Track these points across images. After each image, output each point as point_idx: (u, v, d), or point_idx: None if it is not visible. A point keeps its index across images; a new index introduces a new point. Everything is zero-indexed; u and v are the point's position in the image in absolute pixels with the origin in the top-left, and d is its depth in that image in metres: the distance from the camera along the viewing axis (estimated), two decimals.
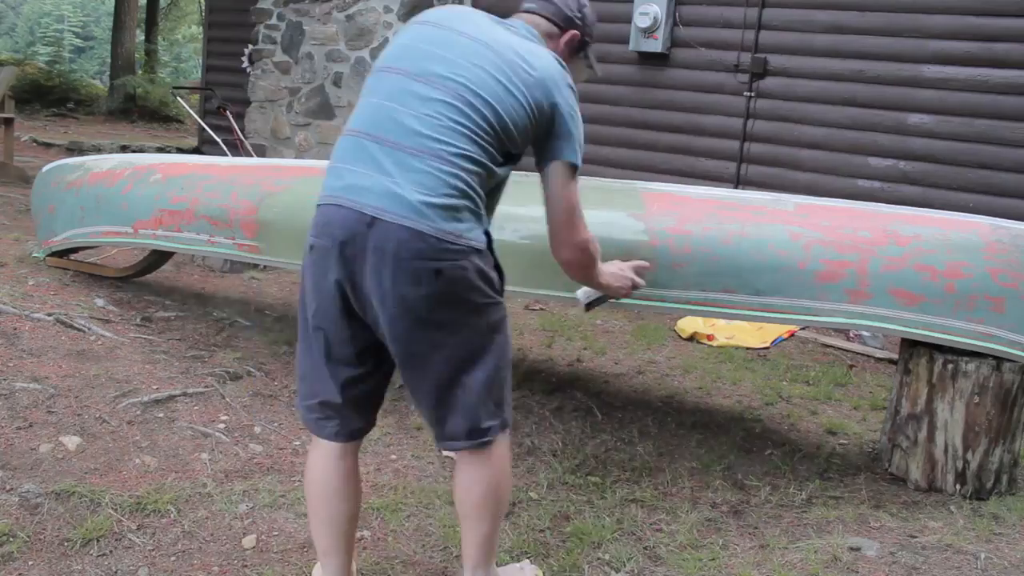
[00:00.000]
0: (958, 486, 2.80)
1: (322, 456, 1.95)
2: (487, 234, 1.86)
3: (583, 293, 2.38)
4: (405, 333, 1.78)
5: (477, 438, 1.88)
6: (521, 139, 1.91)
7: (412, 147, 1.78)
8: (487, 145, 1.84)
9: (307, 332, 1.89)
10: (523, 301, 4.94)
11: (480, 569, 2.01)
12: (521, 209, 3.04)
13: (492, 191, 1.93)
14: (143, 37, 17.17)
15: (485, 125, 1.83)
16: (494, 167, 1.87)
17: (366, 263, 1.75)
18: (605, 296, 2.38)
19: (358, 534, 2.37)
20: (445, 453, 2.00)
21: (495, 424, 1.90)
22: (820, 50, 5.37)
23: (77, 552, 2.16)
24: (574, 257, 2.05)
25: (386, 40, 6.58)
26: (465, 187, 1.79)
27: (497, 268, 1.88)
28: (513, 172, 2.02)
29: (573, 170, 1.99)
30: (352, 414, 1.93)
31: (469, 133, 1.81)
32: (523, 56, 1.90)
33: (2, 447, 2.57)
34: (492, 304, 1.86)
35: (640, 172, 5.81)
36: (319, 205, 1.84)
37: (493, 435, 1.90)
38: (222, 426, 2.93)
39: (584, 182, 2.19)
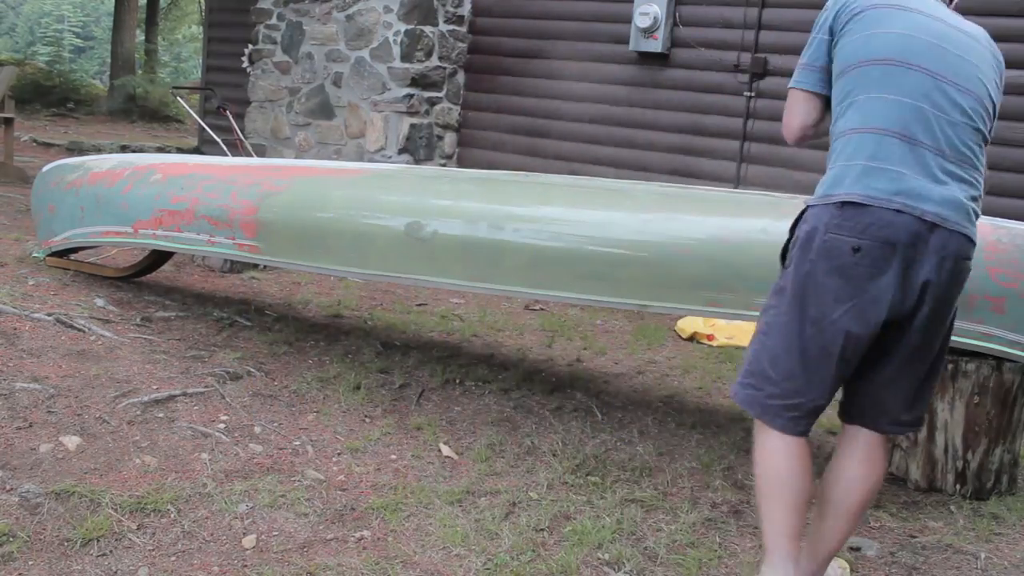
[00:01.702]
0: (958, 486, 2.80)
1: (790, 454, 1.97)
2: None
3: None
4: (933, 324, 1.93)
5: (919, 424, 2.09)
6: None
7: (955, 155, 1.90)
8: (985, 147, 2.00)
9: (813, 332, 1.91)
10: (523, 301, 4.95)
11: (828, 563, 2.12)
12: (521, 209, 3.05)
13: None
14: (143, 37, 17.17)
15: (988, 131, 1.99)
16: None
17: (925, 263, 1.85)
18: None
19: (357, 534, 2.38)
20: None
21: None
22: None
23: (77, 552, 2.16)
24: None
25: (386, 40, 6.58)
26: (982, 191, 1.96)
27: None
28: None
29: None
30: (823, 407, 1.99)
31: (983, 142, 1.97)
32: (993, 46, 2.04)
33: (2, 447, 2.57)
34: None
35: (640, 172, 5.81)
36: (862, 204, 1.86)
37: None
38: (222, 426, 2.93)
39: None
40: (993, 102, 1.99)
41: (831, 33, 2.04)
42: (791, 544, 1.99)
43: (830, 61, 2.04)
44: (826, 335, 1.89)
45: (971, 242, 1.90)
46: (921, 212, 1.83)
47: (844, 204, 1.87)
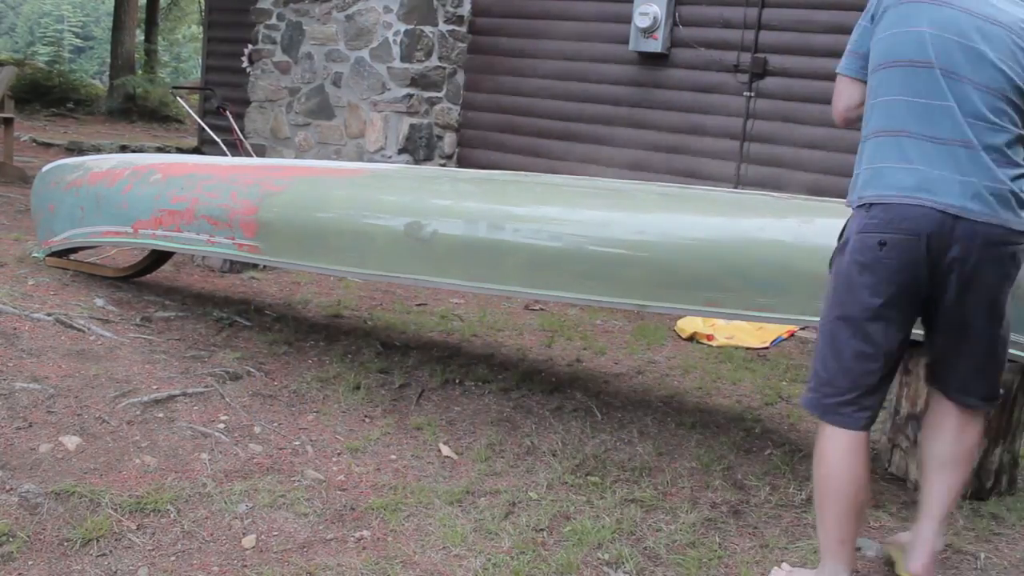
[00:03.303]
0: None
1: (850, 450, 2.05)
2: None
3: None
4: (972, 308, 2.02)
5: (993, 400, 2.17)
6: None
7: (977, 145, 1.94)
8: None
9: (854, 326, 2.03)
10: (523, 301, 4.95)
11: (946, 522, 2.22)
12: (521, 209, 3.05)
13: None
14: (143, 37, 17.15)
15: (1015, 123, 2.00)
16: None
17: (950, 251, 1.94)
18: None
19: (357, 534, 2.38)
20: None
21: (1000, 390, 2.16)
22: (820, 50, 5.37)
23: (77, 552, 2.16)
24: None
25: (386, 40, 6.58)
26: (1020, 176, 1.99)
27: None
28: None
29: None
30: (879, 400, 2.09)
31: (1016, 128, 1.98)
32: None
33: (2, 447, 2.57)
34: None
35: (640, 172, 5.81)
36: (881, 204, 1.99)
37: (1000, 398, 2.18)
38: (222, 426, 2.93)
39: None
40: (1020, 89, 1.97)
41: (872, 20, 2.11)
42: (841, 547, 2.07)
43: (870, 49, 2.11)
44: (870, 324, 2.01)
45: (1003, 229, 1.95)
46: (943, 206, 1.92)
47: (872, 205, 2.01)
